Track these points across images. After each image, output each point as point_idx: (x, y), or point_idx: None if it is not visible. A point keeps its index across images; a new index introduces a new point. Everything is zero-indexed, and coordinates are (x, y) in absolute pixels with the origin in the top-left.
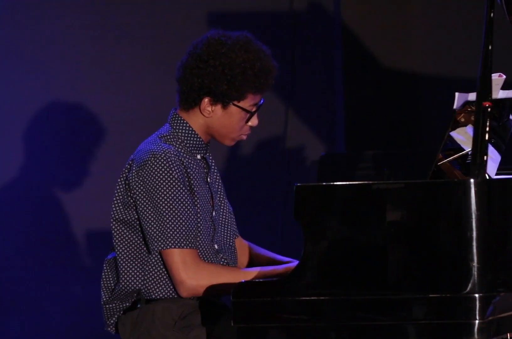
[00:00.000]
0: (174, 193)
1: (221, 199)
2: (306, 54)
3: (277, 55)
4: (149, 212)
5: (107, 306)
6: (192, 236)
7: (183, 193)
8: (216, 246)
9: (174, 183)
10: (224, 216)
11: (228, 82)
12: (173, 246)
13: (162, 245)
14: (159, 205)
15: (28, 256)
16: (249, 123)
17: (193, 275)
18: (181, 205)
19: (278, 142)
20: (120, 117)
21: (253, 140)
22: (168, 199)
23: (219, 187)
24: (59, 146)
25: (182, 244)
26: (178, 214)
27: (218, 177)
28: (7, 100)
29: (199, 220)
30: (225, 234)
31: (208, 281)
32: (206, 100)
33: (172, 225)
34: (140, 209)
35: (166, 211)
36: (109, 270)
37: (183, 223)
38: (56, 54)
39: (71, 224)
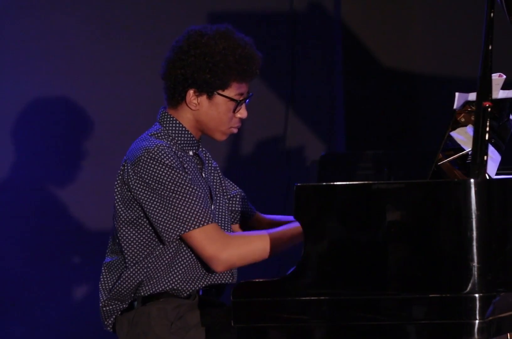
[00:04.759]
0: (175, 179)
1: (217, 192)
2: (306, 54)
3: (277, 55)
4: (156, 204)
5: (104, 308)
6: (207, 212)
7: (183, 177)
8: None
9: (171, 170)
10: (221, 209)
11: (210, 70)
12: (192, 228)
13: (181, 230)
14: (164, 195)
15: (28, 257)
16: (238, 115)
17: (222, 247)
18: (185, 188)
19: (278, 142)
20: (118, 117)
21: (253, 140)
22: (171, 187)
23: (215, 179)
24: (57, 147)
25: (200, 223)
26: (186, 197)
27: (213, 170)
28: (3, 100)
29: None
30: (223, 226)
31: (238, 250)
32: (191, 92)
33: (184, 209)
34: (146, 204)
35: (173, 198)
36: (107, 273)
37: (193, 204)
38: (53, 53)
39: (71, 225)
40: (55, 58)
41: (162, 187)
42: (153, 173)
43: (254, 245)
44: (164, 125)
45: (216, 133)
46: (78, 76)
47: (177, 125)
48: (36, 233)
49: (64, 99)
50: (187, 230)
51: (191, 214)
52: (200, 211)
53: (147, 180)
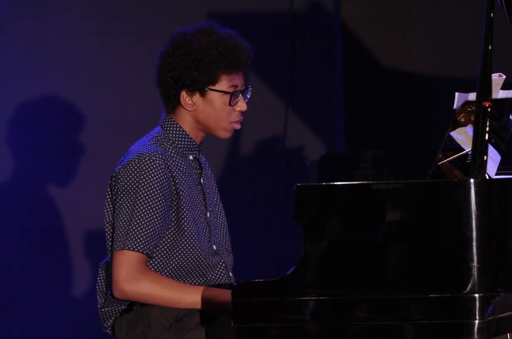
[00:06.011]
0: (148, 196)
1: (217, 201)
2: (306, 54)
3: (277, 55)
4: (122, 213)
5: (103, 310)
6: (151, 244)
7: (160, 201)
8: (214, 247)
9: (153, 190)
10: (220, 219)
11: (196, 67)
12: (126, 248)
13: (123, 245)
14: (133, 208)
15: (27, 256)
16: (237, 108)
17: (132, 279)
18: (151, 209)
19: (278, 142)
20: (116, 116)
21: (253, 140)
22: (142, 205)
23: (215, 189)
24: (56, 147)
25: (137, 246)
26: (146, 217)
27: (212, 179)
28: (2, 99)
29: (185, 226)
30: (222, 235)
31: (143, 291)
32: (183, 93)
33: (135, 229)
34: (116, 207)
35: (136, 215)
36: (104, 274)
37: (148, 227)
38: (53, 53)
39: (70, 226)
40: (54, 58)
41: (134, 197)
42: (134, 180)
43: (160, 293)
44: (165, 129)
45: (218, 131)
46: (76, 76)
47: (178, 129)
48: (36, 232)
49: (63, 99)
50: (120, 248)
51: (135, 236)
52: (147, 236)
53: (126, 185)
